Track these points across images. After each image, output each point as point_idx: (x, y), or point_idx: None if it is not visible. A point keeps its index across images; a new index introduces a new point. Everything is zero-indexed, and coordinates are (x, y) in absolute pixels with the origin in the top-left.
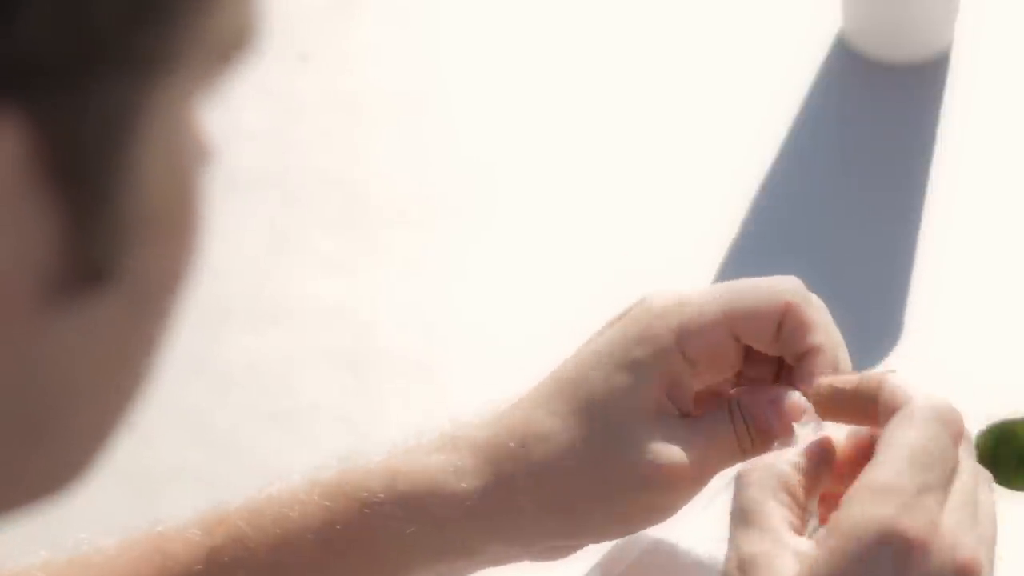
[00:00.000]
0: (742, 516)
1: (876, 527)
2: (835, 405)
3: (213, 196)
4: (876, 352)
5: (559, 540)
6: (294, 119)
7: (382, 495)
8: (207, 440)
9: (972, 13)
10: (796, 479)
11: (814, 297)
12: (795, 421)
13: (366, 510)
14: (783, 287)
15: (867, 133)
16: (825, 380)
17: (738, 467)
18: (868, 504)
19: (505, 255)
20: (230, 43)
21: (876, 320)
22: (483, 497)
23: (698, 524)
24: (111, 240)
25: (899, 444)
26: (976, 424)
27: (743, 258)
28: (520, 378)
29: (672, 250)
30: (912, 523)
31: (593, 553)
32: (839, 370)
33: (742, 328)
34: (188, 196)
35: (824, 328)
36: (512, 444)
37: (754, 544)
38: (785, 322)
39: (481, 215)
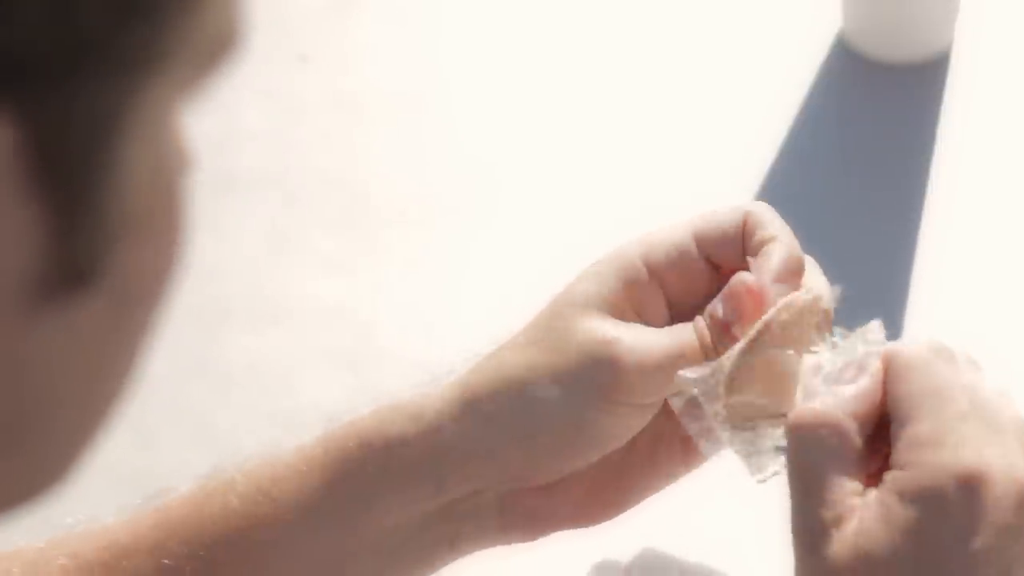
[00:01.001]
0: (802, 481)
1: (933, 473)
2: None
3: (213, 196)
4: None
5: (522, 470)
6: (294, 119)
7: (366, 426)
8: (207, 440)
9: (972, 13)
10: (854, 429)
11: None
12: (744, 303)
13: (351, 444)
14: (747, 205)
15: (867, 133)
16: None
17: (792, 418)
18: (918, 457)
19: (505, 254)
20: (216, 44)
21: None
22: (447, 420)
23: (688, 529)
24: (95, 240)
25: (913, 394)
26: None
27: None
28: None
29: None
30: (966, 457)
31: (585, 560)
32: (792, 262)
33: (708, 243)
34: (172, 197)
35: (781, 229)
36: (487, 371)
37: (824, 510)
38: (746, 230)
39: (481, 214)
